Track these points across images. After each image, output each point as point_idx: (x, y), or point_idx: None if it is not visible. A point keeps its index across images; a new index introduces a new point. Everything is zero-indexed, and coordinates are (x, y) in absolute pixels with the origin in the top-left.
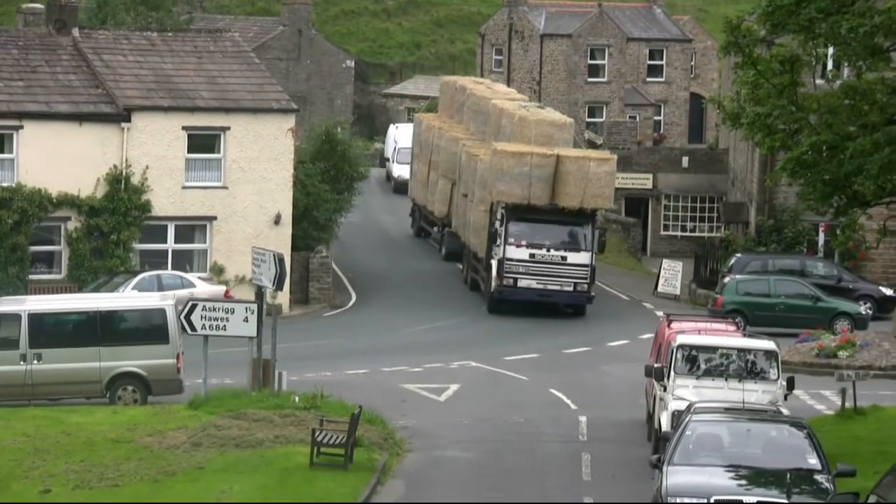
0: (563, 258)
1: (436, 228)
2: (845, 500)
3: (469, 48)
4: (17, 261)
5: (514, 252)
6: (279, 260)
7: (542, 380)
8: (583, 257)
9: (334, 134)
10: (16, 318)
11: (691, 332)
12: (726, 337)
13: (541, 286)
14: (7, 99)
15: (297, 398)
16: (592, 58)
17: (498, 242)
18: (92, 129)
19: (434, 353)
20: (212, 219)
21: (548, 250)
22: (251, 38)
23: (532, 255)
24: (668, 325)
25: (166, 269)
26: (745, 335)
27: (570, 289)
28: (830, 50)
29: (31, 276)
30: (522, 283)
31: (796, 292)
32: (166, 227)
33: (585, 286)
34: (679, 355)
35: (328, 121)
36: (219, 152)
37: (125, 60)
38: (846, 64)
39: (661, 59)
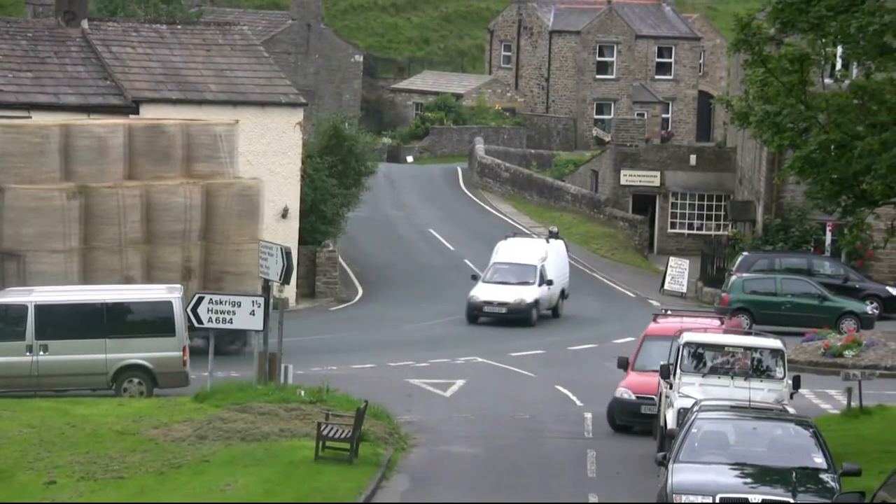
0: None
1: None
2: (851, 499)
3: (478, 44)
4: None
5: None
6: (286, 254)
7: (548, 376)
8: None
9: (341, 129)
10: (22, 309)
11: (666, 330)
12: (732, 335)
13: None
14: (16, 90)
15: (302, 392)
16: (601, 55)
17: None
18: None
19: (440, 348)
20: None
21: None
22: (260, 31)
23: None
24: (654, 321)
25: None
26: (725, 330)
27: None
28: (839, 49)
29: None
30: None
31: (803, 291)
32: None
33: None
34: (685, 353)
35: (335, 116)
36: None
37: (134, 52)
38: (855, 63)
39: (670, 57)
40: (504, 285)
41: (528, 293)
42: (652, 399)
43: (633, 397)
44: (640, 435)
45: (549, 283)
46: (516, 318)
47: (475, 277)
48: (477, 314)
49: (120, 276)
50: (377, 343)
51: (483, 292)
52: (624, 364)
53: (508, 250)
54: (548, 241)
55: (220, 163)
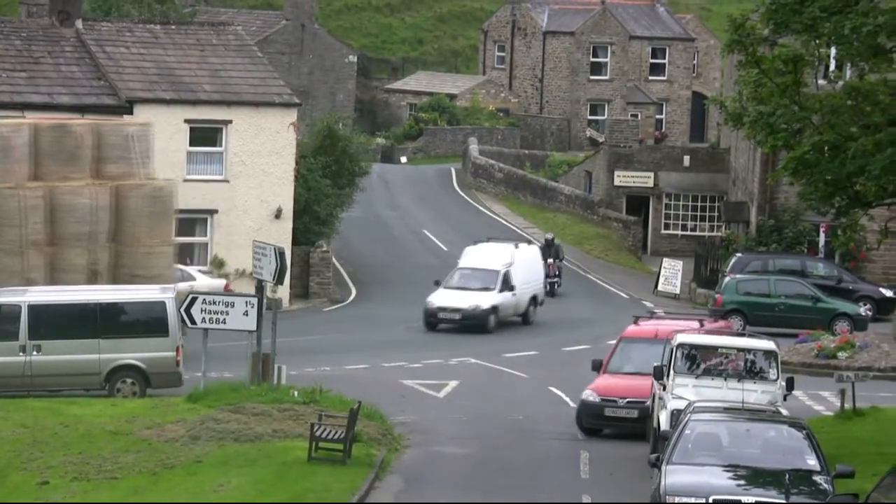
0: None
1: None
2: (844, 501)
3: (472, 44)
4: None
5: None
6: (280, 254)
7: (541, 377)
8: None
9: (335, 129)
10: (16, 309)
11: (642, 333)
12: (726, 336)
13: None
14: (10, 90)
15: (296, 392)
16: (595, 55)
17: None
18: None
19: (433, 349)
20: (213, 212)
21: None
22: (254, 31)
23: None
24: (635, 323)
25: None
26: (707, 331)
27: None
28: (833, 50)
29: None
30: None
31: (796, 292)
32: None
33: None
34: (678, 354)
35: (329, 116)
36: (220, 146)
37: (128, 52)
38: (849, 64)
39: (664, 58)
40: (463, 291)
41: (485, 299)
42: (616, 402)
43: (598, 399)
44: (633, 437)
45: (512, 288)
46: (472, 324)
47: (437, 283)
48: (434, 321)
49: (21, 279)
50: (371, 344)
51: (440, 298)
52: (597, 366)
53: (474, 255)
54: (516, 247)
55: (131, 163)
